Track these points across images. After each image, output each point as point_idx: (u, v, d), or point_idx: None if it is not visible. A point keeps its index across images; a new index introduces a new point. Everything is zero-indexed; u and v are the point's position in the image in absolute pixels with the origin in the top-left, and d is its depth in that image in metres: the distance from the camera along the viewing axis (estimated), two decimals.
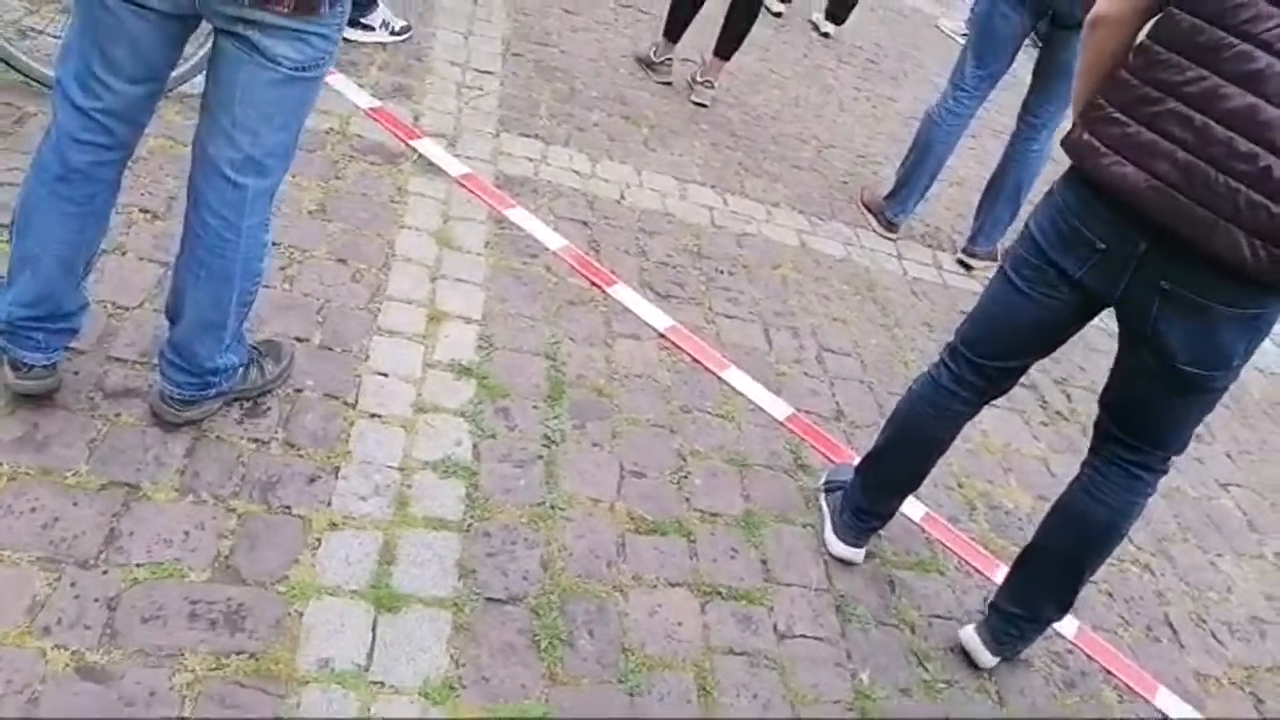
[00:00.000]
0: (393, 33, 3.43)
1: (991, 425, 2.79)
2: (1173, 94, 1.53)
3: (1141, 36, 1.62)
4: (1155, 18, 1.60)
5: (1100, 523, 1.85)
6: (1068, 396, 3.07)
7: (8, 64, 2.39)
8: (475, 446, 2.05)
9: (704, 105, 3.98)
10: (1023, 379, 3.00)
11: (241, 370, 1.85)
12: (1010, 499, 2.57)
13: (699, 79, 3.99)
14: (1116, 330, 1.78)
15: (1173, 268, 1.58)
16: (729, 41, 3.92)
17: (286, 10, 1.41)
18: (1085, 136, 1.65)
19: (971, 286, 3.51)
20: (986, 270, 3.60)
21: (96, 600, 1.51)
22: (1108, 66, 1.66)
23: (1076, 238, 1.67)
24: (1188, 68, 1.51)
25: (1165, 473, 1.86)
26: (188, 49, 1.67)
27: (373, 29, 3.38)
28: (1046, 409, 2.99)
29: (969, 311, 1.98)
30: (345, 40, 3.26)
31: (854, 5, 5.20)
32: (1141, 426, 1.80)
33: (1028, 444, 2.81)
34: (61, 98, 1.53)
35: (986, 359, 1.91)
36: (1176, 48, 1.53)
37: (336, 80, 3.10)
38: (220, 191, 1.58)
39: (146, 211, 2.29)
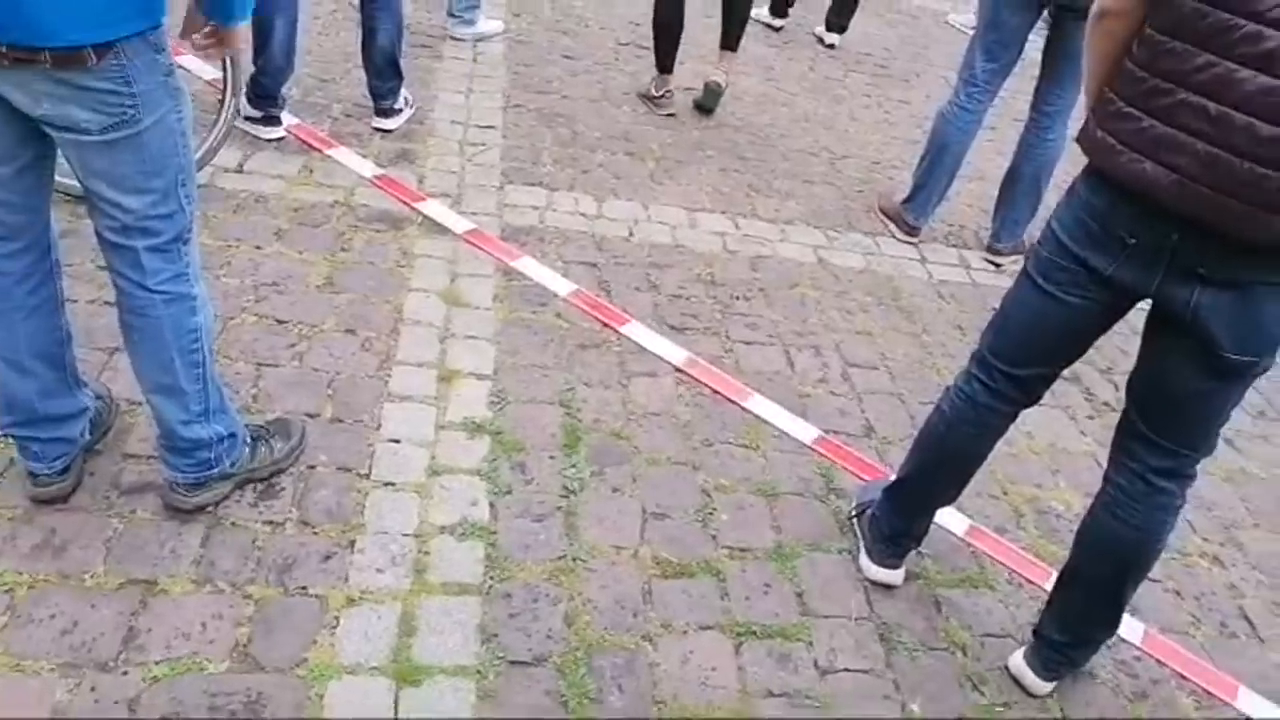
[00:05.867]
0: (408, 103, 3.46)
1: (1035, 425, 2.67)
2: (1183, 84, 1.45)
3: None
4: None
5: (1131, 545, 1.74)
6: (1115, 385, 2.93)
7: None
8: (492, 505, 2.03)
9: (719, 87, 4.03)
10: (1066, 372, 2.89)
11: (248, 449, 1.87)
12: (1060, 501, 2.44)
13: (712, 73, 4.05)
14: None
15: (1208, 253, 1.50)
16: (731, 33, 3.99)
17: (48, 65, 1.35)
18: (1100, 134, 1.58)
19: (1002, 283, 3.37)
20: (1016, 264, 3.48)
21: (117, 703, 1.51)
22: (1116, 58, 1.58)
23: (1105, 235, 1.59)
24: (1196, 55, 1.42)
25: (1193, 480, 1.74)
26: None
27: (401, 110, 3.38)
28: (1093, 401, 2.86)
29: (995, 318, 1.88)
30: (381, 130, 3.31)
31: (853, 12, 5.15)
32: (1174, 423, 1.68)
33: (1075, 441, 2.68)
34: None
35: (1023, 368, 1.82)
36: (1181, 35, 1.44)
37: (339, 153, 3.16)
38: (117, 254, 1.59)
39: None
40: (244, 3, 1.53)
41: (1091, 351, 3.07)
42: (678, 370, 2.57)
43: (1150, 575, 2.21)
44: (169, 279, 1.62)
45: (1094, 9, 1.59)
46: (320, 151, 3.14)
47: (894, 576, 2.05)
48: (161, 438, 1.75)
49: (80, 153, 1.47)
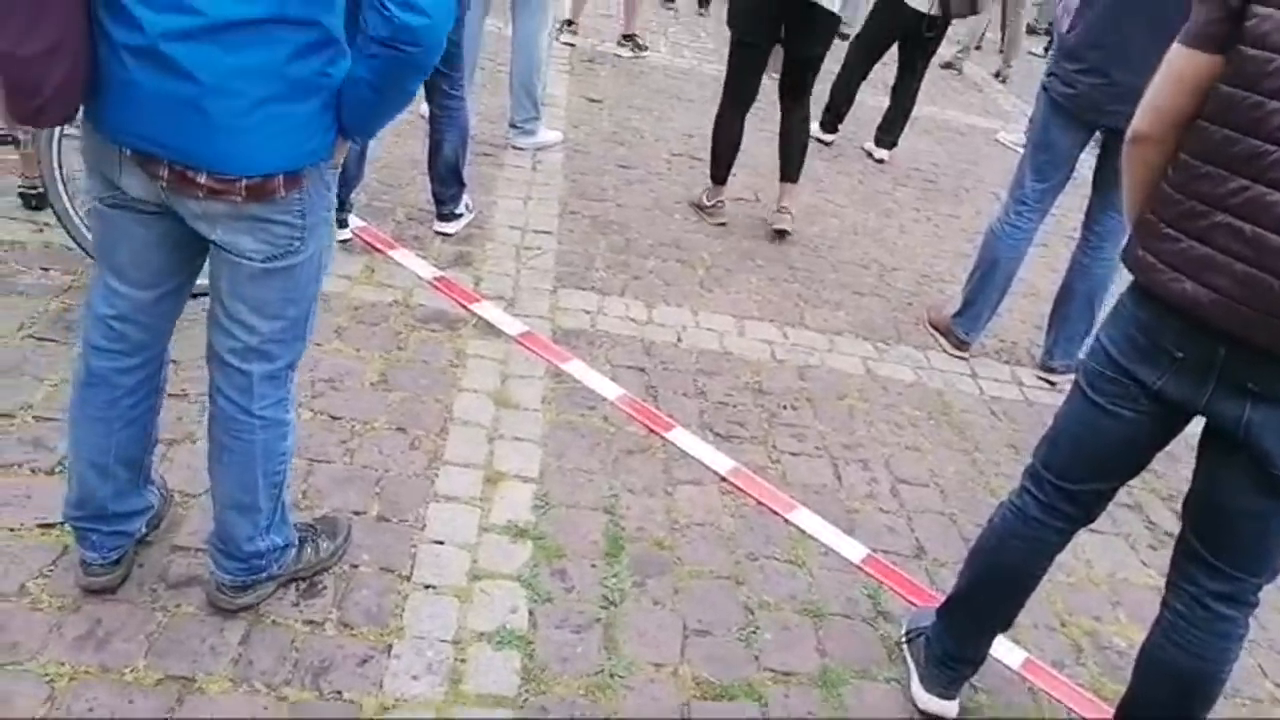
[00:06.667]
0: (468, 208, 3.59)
1: (1095, 553, 2.58)
2: (1219, 206, 1.48)
3: None
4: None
5: (1191, 673, 1.66)
6: (1177, 515, 2.81)
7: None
8: (531, 613, 2.00)
9: (787, 232, 4.05)
10: (1126, 498, 2.84)
11: (294, 550, 1.88)
12: (1122, 636, 2.33)
13: (777, 208, 4.10)
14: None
15: (1257, 369, 1.50)
16: (790, 163, 4.05)
17: (240, 199, 1.43)
18: (1141, 252, 1.61)
19: (1057, 402, 3.31)
20: (1070, 382, 3.42)
21: None
22: (1152, 180, 1.62)
23: (1153, 348, 1.60)
24: (1229, 179, 1.47)
25: (1255, 606, 1.67)
26: None
27: (461, 215, 3.51)
28: (1154, 530, 2.76)
29: (1048, 432, 1.87)
30: (442, 234, 3.44)
31: (903, 128, 5.27)
32: (1232, 545, 1.63)
33: (1136, 572, 2.57)
34: (87, 307, 1.65)
35: (1075, 483, 1.79)
36: (1214, 160, 1.49)
37: (401, 254, 3.27)
38: (228, 376, 1.63)
39: None
40: (379, 124, 1.58)
41: (1153, 479, 3.01)
42: (723, 479, 2.55)
43: None
44: (272, 404, 1.67)
45: (1128, 134, 1.64)
46: (383, 253, 3.26)
47: (948, 708, 1.96)
48: (219, 542, 1.76)
49: (234, 274, 1.53)
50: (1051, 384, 3.43)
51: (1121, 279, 3.48)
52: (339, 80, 1.44)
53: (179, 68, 1.33)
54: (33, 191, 2.94)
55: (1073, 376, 3.44)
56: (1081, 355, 3.45)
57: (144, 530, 1.86)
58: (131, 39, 1.33)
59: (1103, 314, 3.44)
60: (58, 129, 2.46)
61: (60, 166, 2.53)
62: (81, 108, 1.43)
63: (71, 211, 2.58)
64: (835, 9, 3.58)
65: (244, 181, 1.41)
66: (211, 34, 1.31)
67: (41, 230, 2.89)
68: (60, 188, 2.54)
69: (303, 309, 1.62)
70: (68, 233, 2.61)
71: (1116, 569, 2.57)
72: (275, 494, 1.75)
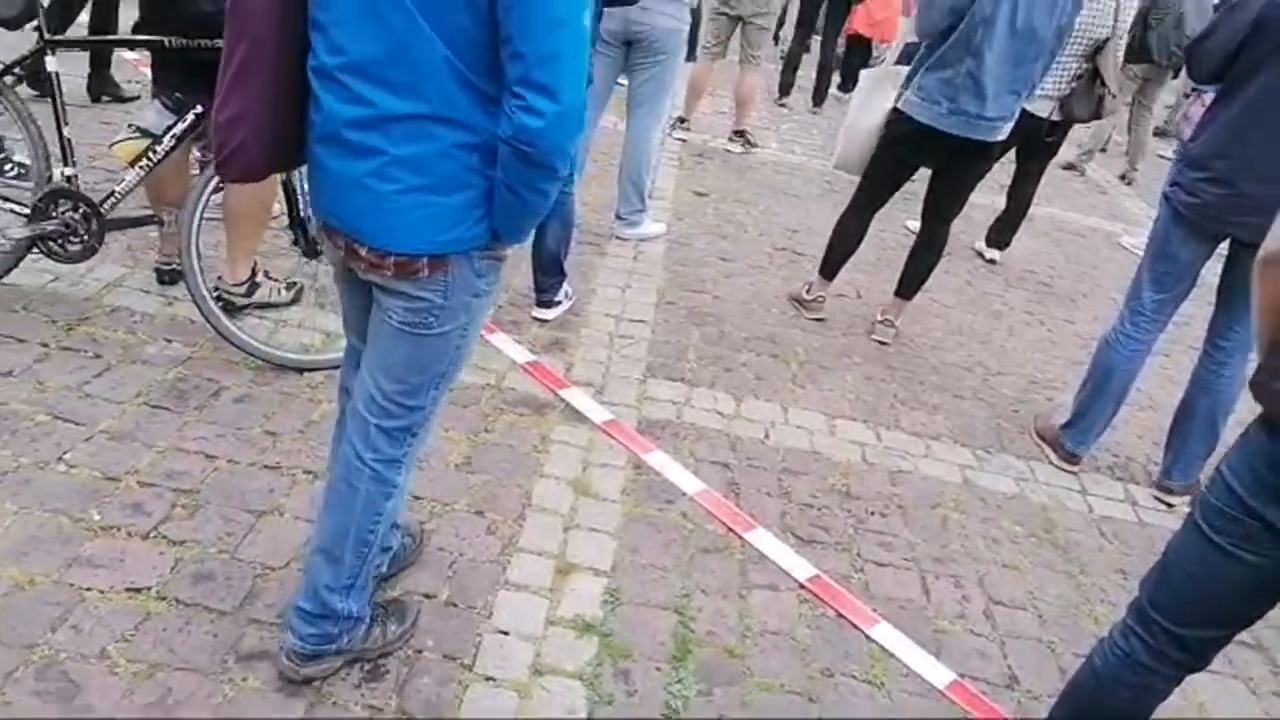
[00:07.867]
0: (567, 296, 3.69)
1: (1209, 696, 2.35)
2: None
3: None
4: None
5: None
6: None
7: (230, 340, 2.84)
8: (590, 715, 1.95)
9: (885, 344, 3.95)
10: (1247, 637, 2.58)
11: (364, 629, 1.90)
12: None
13: (880, 318, 4.00)
14: None
15: None
16: (912, 282, 3.96)
17: (390, 274, 1.58)
18: (1276, 385, 1.48)
19: (1174, 525, 3.06)
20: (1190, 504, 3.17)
21: None
22: None
23: None
24: None
25: None
26: None
27: (560, 302, 3.61)
28: (1279, 674, 2.49)
29: (1156, 565, 1.72)
30: (539, 320, 3.54)
31: (1016, 228, 5.13)
32: None
33: None
34: (344, 349, 1.94)
35: (1188, 628, 1.64)
36: None
37: (497, 338, 3.36)
38: (355, 421, 1.76)
39: (309, 472, 2.48)
40: (520, 225, 1.63)
41: (1275, 613, 2.74)
42: (801, 586, 2.45)
43: None
44: (383, 461, 1.77)
45: (1260, 253, 1.50)
46: (481, 337, 3.34)
47: None
48: (302, 599, 1.82)
49: (378, 326, 1.69)
50: (1169, 505, 3.19)
51: (1248, 397, 3.24)
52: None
53: (353, 152, 1.52)
54: (167, 268, 3.18)
55: (1192, 498, 3.22)
56: (1202, 478, 3.21)
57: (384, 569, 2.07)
58: (322, 126, 1.55)
59: (1227, 433, 3.22)
60: (199, 212, 2.70)
61: (198, 245, 2.74)
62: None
63: (203, 287, 2.78)
64: (1003, 137, 3.56)
65: (393, 258, 1.57)
66: (380, 124, 1.49)
67: (170, 304, 3.11)
68: (195, 263, 2.74)
69: (426, 379, 1.72)
70: (198, 308, 2.80)
71: (1234, 716, 2.31)
72: (362, 552, 1.81)
